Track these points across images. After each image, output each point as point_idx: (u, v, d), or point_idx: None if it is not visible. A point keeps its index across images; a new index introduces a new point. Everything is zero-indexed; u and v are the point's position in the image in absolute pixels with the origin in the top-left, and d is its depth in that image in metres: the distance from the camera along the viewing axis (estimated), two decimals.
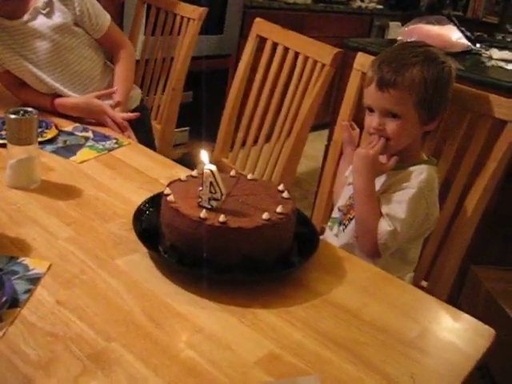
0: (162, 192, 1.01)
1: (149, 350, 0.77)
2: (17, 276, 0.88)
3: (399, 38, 2.49)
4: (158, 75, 2.35)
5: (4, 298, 0.81)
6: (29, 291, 0.85)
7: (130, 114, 1.67)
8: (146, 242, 0.97)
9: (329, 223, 1.42)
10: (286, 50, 1.81)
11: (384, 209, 1.22)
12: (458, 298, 2.01)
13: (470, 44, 2.45)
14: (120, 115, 1.63)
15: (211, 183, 0.93)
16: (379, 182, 1.27)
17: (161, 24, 2.31)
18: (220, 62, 3.47)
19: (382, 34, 4.92)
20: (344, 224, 1.34)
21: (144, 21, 2.47)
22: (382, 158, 1.26)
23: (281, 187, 1.05)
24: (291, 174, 1.76)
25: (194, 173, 1.08)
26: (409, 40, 2.39)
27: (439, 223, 1.38)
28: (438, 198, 1.27)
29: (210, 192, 0.94)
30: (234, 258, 0.93)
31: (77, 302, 0.85)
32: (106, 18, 1.77)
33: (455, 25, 2.56)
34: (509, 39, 3.37)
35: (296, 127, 1.70)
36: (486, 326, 0.93)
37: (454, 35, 2.46)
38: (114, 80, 1.77)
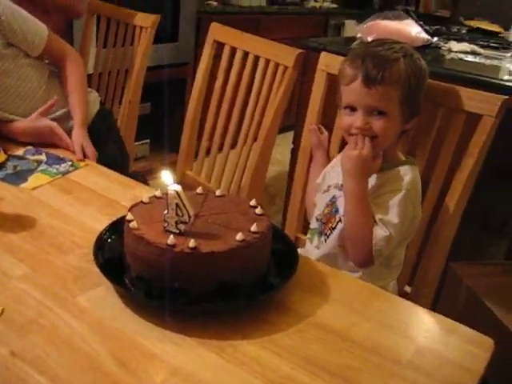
0: (124, 217, 0.91)
1: None
2: None
3: (358, 35, 2.44)
4: (113, 88, 2.24)
5: None
6: None
7: (88, 148, 1.49)
8: (110, 274, 0.88)
9: (308, 235, 1.35)
10: (246, 54, 1.74)
11: (377, 214, 1.16)
12: (437, 298, 1.97)
13: (429, 38, 2.42)
14: (75, 141, 1.49)
15: (177, 205, 0.84)
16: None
17: (112, 35, 2.21)
18: (177, 70, 3.37)
19: (338, 32, 4.90)
20: (326, 234, 1.27)
21: (95, 33, 2.37)
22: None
23: (253, 202, 0.97)
24: (260, 181, 1.68)
25: (158, 193, 0.99)
26: (369, 38, 2.35)
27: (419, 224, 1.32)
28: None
29: (177, 215, 0.85)
30: (209, 286, 0.84)
31: (35, 351, 0.75)
32: (42, 32, 1.61)
33: (413, 19, 2.53)
34: (463, 31, 3.38)
35: (262, 132, 1.62)
36: (485, 337, 0.86)
37: (413, 30, 2.42)
38: (67, 96, 1.65)
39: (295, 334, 0.83)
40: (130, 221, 0.89)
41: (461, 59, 2.35)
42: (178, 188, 0.84)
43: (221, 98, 1.83)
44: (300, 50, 1.55)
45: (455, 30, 3.37)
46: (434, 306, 1.97)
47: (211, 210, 0.95)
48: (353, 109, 1.19)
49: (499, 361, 0.86)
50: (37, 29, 1.60)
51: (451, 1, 6.16)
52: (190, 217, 0.86)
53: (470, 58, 2.38)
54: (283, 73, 1.58)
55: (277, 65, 1.61)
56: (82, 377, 0.72)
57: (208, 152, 1.89)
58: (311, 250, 1.30)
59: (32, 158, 1.39)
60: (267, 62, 1.65)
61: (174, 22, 3.34)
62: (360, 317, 0.89)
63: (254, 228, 0.87)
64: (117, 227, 0.98)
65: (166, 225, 0.87)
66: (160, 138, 2.65)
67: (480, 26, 3.61)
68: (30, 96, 1.59)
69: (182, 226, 0.86)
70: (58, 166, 1.34)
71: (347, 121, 1.20)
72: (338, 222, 1.24)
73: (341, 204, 1.24)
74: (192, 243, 0.82)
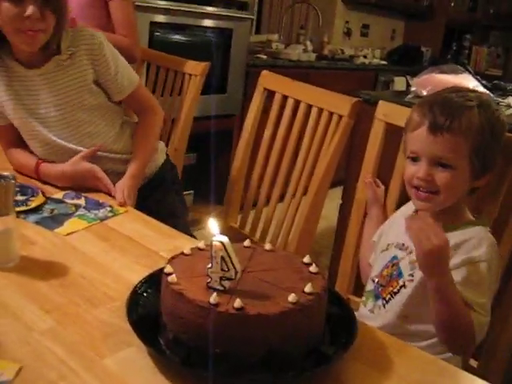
0: (162, 269, 0.82)
1: None
2: None
3: (413, 88, 2.35)
4: (160, 137, 2.19)
5: None
6: None
7: (130, 198, 1.41)
8: (143, 333, 0.78)
9: (363, 298, 1.22)
10: (297, 102, 1.66)
11: (465, 297, 1.01)
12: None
13: (488, 92, 2.31)
14: (118, 187, 1.41)
15: (223, 259, 0.74)
16: None
17: (161, 82, 2.17)
18: (224, 122, 3.34)
19: (387, 88, 4.84)
20: (384, 298, 1.14)
21: (144, 80, 2.35)
22: (426, 215, 1.07)
23: (307, 259, 0.86)
24: (309, 237, 1.57)
25: (201, 245, 0.89)
26: (423, 91, 2.26)
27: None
28: None
29: (222, 270, 0.75)
30: (255, 354, 0.73)
31: None
32: (133, 78, 1.58)
33: (470, 73, 2.43)
34: None
35: (314, 184, 1.52)
36: None
37: (470, 84, 2.32)
38: (135, 142, 1.59)
39: None
40: (168, 274, 0.79)
41: None
42: (225, 239, 0.74)
43: (269, 148, 1.75)
44: (356, 99, 1.46)
45: (511, 87, 3.25)
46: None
47: (260, 266, 0.85)
48: (415, 158, 1.09)
49: None
50: (130, 74, 1.58)
51: (503, 60, 6.07)
52: (236, 272, 0.75)
53: None
54: (338, 122, 1.49)
55: (331, 114, 1.53)
56: None
57: (254, 205, 1.79)
58: (365, 313, 1.17)
59: (70, 202, 1.32)
60: (320, 110, 1.57)
61: (223, 74, 3.33)
62: None
63: (308, 289, 0.76)
64: (154, 280, 0.88)
65: (209, 280, 0.77)
66: (204, 189, 2.57)
67: None
68: (99, 138, 1.52)
69: (227, 283, 0.76)
70: (96, 212, 1.27)
71: (410, 171, 1.10)
72: (401, 287, 1.11)
73: (405, 268, 1.12)
74: (238, 303, 0.71)
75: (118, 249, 1.12)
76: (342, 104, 1.49)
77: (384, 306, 1.13)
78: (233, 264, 0.75)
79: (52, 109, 1.46)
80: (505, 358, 1.20)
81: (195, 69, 2.01)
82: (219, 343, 0.72)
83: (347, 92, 4.31)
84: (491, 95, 2.34)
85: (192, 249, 0.89)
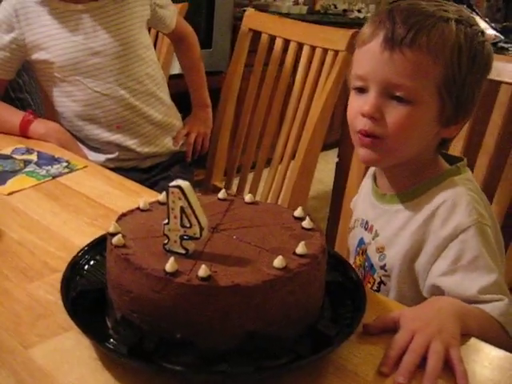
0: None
1: None
2: None
3: None
4: None
5: None
6: None
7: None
8: (81, 314, 0.58)
9: None
10: (287, 42, 1.44)
11: (467, 290, 0.74)
12: None
13: (498, 34, 2.10)
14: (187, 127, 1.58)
15: (183, 210, 0.54)
16: (393, 225, 0.84)
17: None
18: (210, 79, 3.10)
19: None
20: (372, 289, 0.89)
21: None
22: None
23: (298, 212, 0.67)
24: (303, 195, 1.36)
25: (162, 197, 0.69)
26: None
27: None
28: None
29: (182, 226, 0.55)
30: (231, 338, 0.53)
31: None
32: (173, 8, 1.58)
33: (478, 15, 2.21)
34: None
35: (308, 130, 1.29)
36: None
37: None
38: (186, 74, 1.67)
39: None
40: (113, 234, 0.59)
41: None
42: (185, 184, 0.54)
43: (256, 99, 1.54)
44: (353, 30, 1.24)
45: None
46: None
47: (238, 223, 0.65)
48: (362, 88, 0.78)
49: None
50: (170, 3, 1.57)
51: (503, 14, 5.84)
52: (201, 229, 0.55)
53: None
54: (333, 59, 1.27)
55: (325, 51, 1.31)
56: None
57: (239, 167, 1.59)
58: None
59: (20, 157, 1.12)
60: (313, 49, 1.35)
61: (208, 29, 3.10)
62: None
63: (300, 250, 0.56)
64: (102, 246, 0.69)
65: (166, 241, 0.57)
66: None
67: None
68: (153, 82, 1.46)
69: (190, 244, 0.56)
70: (48, 167, 1.07)
71: (353, 105, 0.80)
72: (380, 284, 0.86)
73: (373, 256, 0.86)
74: (204, 271, 0.52)
75: (69, 209, 0.92)
76: (337, 38, 1.27)
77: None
78: (197, 217, 0.55)
79: (112, 44, 1.37)
80: None
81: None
82: (180, 326, 0.53)
83: None
84: (502, 37, 2.13)
85: (151, 203, 0.69)
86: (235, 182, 1.62)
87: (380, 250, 0.85)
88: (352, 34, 1.22)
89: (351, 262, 0.94)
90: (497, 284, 0.74)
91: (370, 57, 0.76)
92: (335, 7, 4.75)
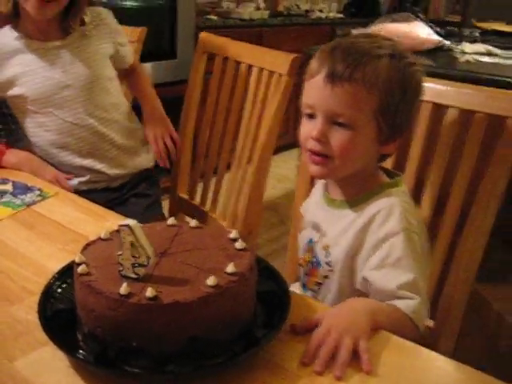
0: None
1: None
2: None
3: None
4: None
5: None
6: None
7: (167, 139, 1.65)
8: (56, 330, 0.71)
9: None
10: (238, 64, 1.57)
11: (388, 284, 0.88)
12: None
13: (441, 39, 2.25)
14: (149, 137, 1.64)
15: (132, 244, 0.68)
16: (339, 227, 0.98)
17: None
18: (176, 88, 3.22)
19: None
20: (312, 290, 1.05)
21: None
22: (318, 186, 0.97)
23: (233, 234, 0.80)
24: (257, 204, 1.50)
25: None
26: None
27: (439, 246, 1.14)
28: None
29: (133, 256, 0.68)
30: (175, 344, 0.67)
31: None
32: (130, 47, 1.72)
33: (422, 20, 2.36)
34: (476, 34, 3.19)
35: (257, 150, 1.44)
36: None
37: (422, 32, 2.26)
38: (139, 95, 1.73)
39: None
40: (78, 264, 0.72)
41: (477, 61, 2.18)
42: (132, 222, 0.67)
43: (214, 114, 1.67)
44: (295, 55, 1.37)
45: (467, 32, 3.19)
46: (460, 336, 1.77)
47: (183, 247, 0.78)
48: (311, 115, 0.93)
49: None
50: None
51: (462, 5, 6.01)
52: (148, 258, 0.69)
53: (486, 60, 2.21)
54: (278, 81, 1.41)
55: (271, 73, 1.45)
56: None
57: (202, 177, 1.72)
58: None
59: None
60: (261, 70, 1.49)
61: (172, 39, 3.20)
62: (373, 374, 0.71)
63: (230, 268, 0.70)
64: (72, 270, 0.81)
65: (121, 269, 0.70)
66: None
67: (495, 27, 3.44)
68: (119, 110, 1.60)
69: (141, 270, 0.69)
70: (23, 197, 1.19)
71: (304, 130, 0.94)
72: (324, 278, 1.01)
73: (320, 253, 1.01)
74: (150, 292, 0.65)
75: (43, 236, 1.04)
76: (280, 62, 1.40)
77: (316, 298, 1.03)
78: (144, 249, 0.68)
79: (81, 78, 1.50)
80: (459, 314, 1.17)
81: (131, 35, 1.89)
82: (135, 336, 0.66)
83: (303, 49, 4.19)
84: (446, 42, 2.28)
85: (111, 232, 0.82)
86: (200, 188, 1.75)
87: (326, 248, 1.00)
88: (292, 59, 1.36)
89: (300, 257, 1.09)
90: (414, 283, 0.89)
91: (316, 89, 0.91)
92: (298, 7, 4.86)
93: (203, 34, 1.72)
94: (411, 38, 2.20)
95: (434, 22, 6.19)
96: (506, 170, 1.06)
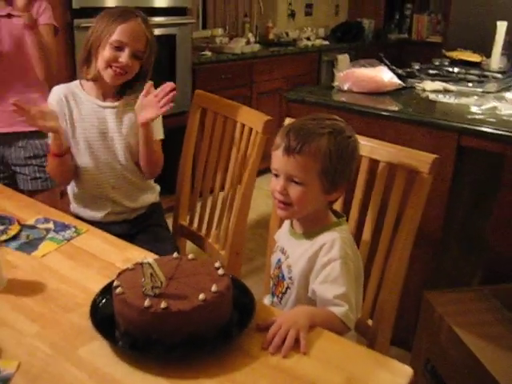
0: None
1: None
2: None
3: (336, 83, 2.67)
4: None
5: None
6: None
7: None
8: (103, 330, 1.11)
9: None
10: (226, 118, 1.97)
11: (327, 295, 1.27)
12: (415, 327, 2.15)
13: (401, 82, 2.64)
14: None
15: (151, 274, 1.07)
16: (298, 252, 1.36)
17: None
18: (175, 119, 3.63)
19: (331, 66, 5.13)
20: (278, 296, 1.45)
21: None
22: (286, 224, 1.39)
23: (217, 264, 1.20)
24: (240, 236, 1.88)
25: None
26: (344, 86, 2.58)
27: (376, 265, 1.54)
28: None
29: (152, 282, 1.08)
30: (179, 338, 1.06)
31: None
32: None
33: (386, 65, 2.76)
34: (446, 63, 3.54)
35: (238, 195, 1.85)
36: (405, 366, 1.07)
37: (386, 76, 2.64)
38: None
39: (248, 372, 1.05)
40: (116, 287, 1.12)
41: (431, 100, 2.55)
42: (151, 260, 1.07)
43: (208, 156, 2.07)
44: (268, 118, 1.76)
45: (437, 62, 3.55)
46: (409, 335, 2.17)
47: (183, 273, 1.18)
48: (276, 174, 1.31)
49: None
50: None
51: (442, 26, 6.38)
52: (161, 283, 1.08)
53: (441, 98, 2.57)
54: (255, 137, 1.80)
55: (250, 129, 1.84)
56: None
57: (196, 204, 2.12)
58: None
59: (41, 226, 1.63)
60: (243, 126, 1.88)
61: (171, 75, 3.59)
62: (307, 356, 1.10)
63: (214, 288, 1.10)
64: (110, 289, 1.21)
65: (144, 289, 1.10)
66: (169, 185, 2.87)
67: (461, 57, 3.80)
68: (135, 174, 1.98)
69: (156, 290, 1.09)
70: (63, 233, 1.58)
71: (272, 184, 1.32)
72: (287, 289, 1.39)
73: (285, 270, 1.40)
74: (163, 304, 1.05)
75: (82, 264, 1.44)
76: (257, 121, 1.79)
77: (280, 303, 1.44)
78: (159, 277, 1.08)
79: (118, 137, 1.88)
80: (391, 317, 1.56)
81: None
82: (154, 333, 1.06)
83: (292, 76, 4.72)
84: (404, 85, 2.66)
85: (135, 264, 1.21)
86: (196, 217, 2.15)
87: (289, 267, 1.41)
88: (266, 121, 1.75)
89: (272, 272, 1.49)
90: (345, 295, 1.28)
91: (278, 158, 1.30)
92: (287, 35, 5.24)
93: (198, 92, 2.12)
94: (375, 82, 2.60)
95: (416, 43, 6.63)
96: (418, 211, 1.45)
